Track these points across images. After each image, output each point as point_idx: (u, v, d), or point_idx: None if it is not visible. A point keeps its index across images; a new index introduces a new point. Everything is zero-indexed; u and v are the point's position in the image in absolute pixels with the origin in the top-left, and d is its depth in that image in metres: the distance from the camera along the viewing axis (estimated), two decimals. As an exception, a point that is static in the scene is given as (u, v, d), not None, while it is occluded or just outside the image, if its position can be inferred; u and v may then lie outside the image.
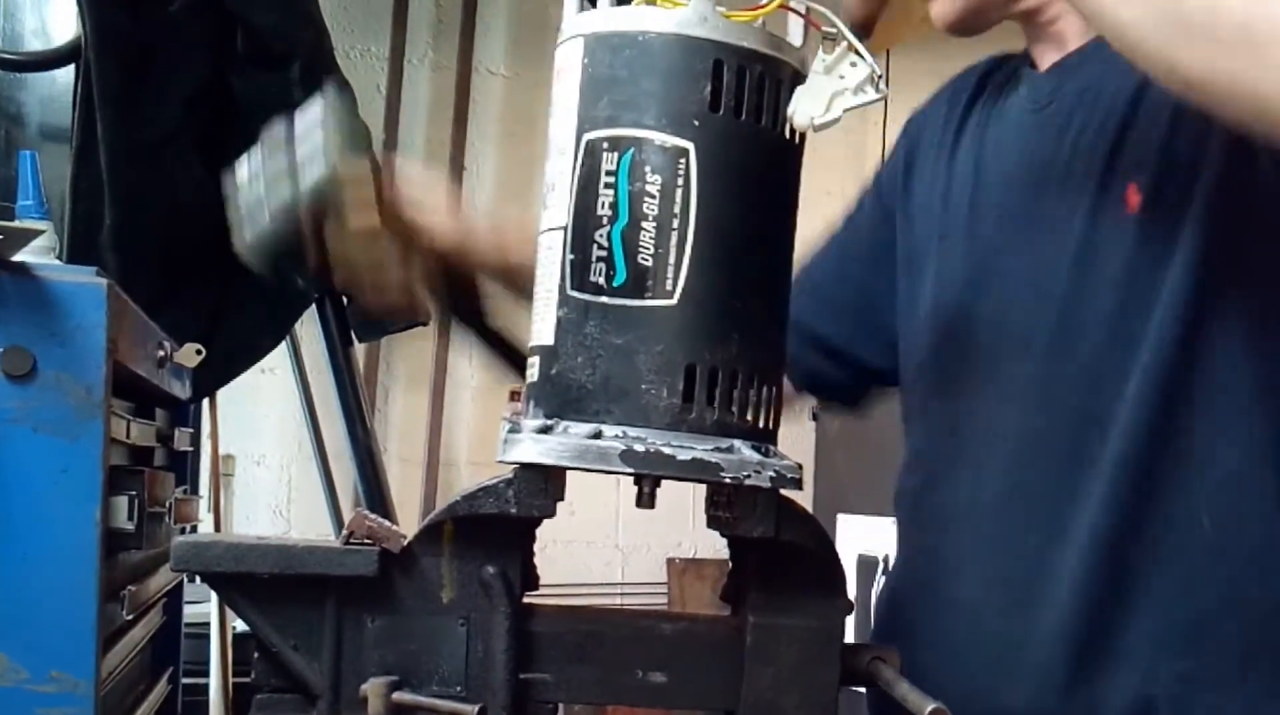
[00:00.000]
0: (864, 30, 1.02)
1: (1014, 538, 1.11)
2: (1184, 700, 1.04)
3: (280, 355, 2.42)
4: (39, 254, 0.99)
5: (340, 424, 2.09)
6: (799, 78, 0.86)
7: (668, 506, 0.95)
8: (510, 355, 1.21)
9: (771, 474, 0.82)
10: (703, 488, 0.86)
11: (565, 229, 0.84)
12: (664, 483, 0.85)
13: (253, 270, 1.08)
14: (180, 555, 0.86)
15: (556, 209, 0.85)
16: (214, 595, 1.95)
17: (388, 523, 0.87)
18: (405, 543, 0.87)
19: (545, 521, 0.87)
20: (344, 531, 0.87)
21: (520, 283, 1.11)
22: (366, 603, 0.87)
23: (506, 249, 1.20)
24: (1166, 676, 1.04)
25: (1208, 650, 1.04)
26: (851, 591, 0.93)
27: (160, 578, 1.36)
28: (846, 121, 0.87)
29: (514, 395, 0.89)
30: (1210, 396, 1.04)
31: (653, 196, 0.82)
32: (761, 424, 0.85)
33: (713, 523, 0.89)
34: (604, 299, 0.82)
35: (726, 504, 0.86)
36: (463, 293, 1.23)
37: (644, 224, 0.82)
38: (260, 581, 0.85)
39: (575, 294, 0.83)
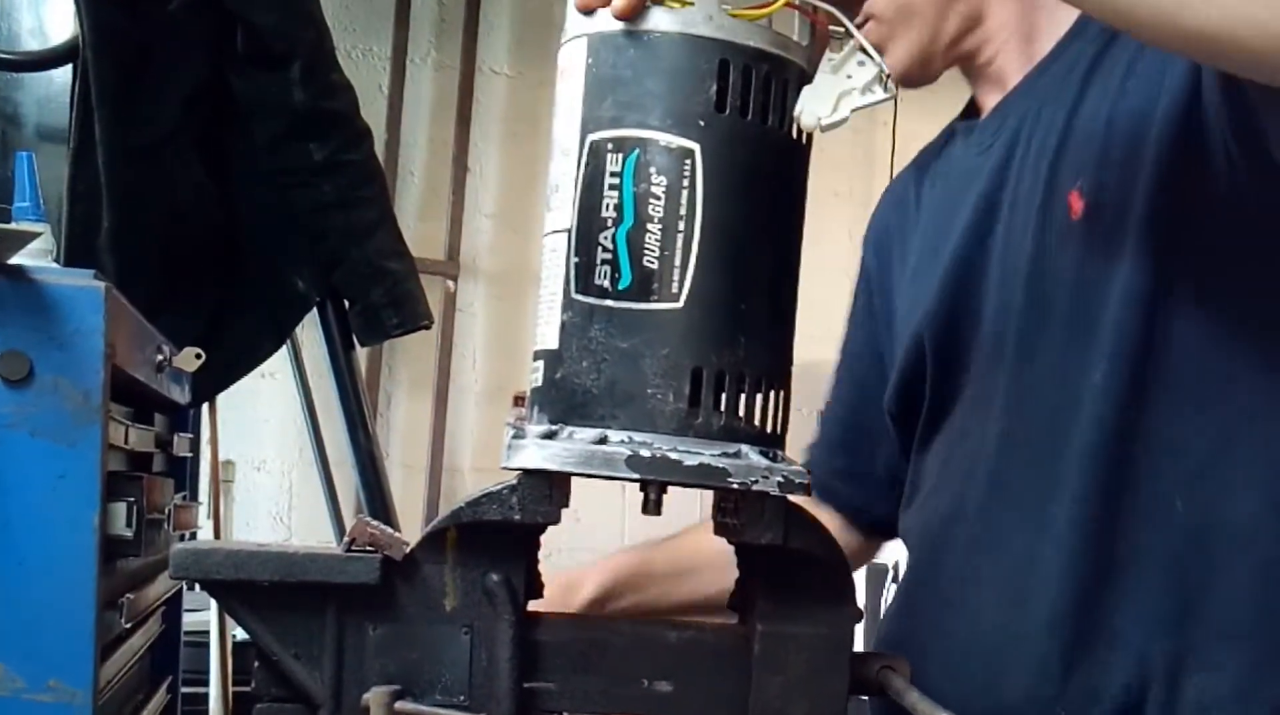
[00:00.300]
0: None
1: (1003, 538, 1.14)
2: (1175, 680, 1.05)
3: (281, 359, 2.40)
4: (36, 257, 0.98)
5: (342, 429, 2.08)
6: (806, 77, 0.85)
7: (674, 513, 0.94)
8: None
9: (780, 479, 0.82)
10: (710, 494, 0.85)
11: (569, 231, 0.83)
12: (670, 489, 0.85)
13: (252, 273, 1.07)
14: (179, 562, 0.85)
15: (560, 211, 0.84)
16: (214, 603, 1.95)
17: (390, 530, 0.86)
18: (408, 550, 0.86)
19: (550, 528, 0.86)
20: (346, 538, 0.87)
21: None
22: (368, 611, 0.87)
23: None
24: (1157, 658, 1.06)
25: (1194, 630, 1.06)
26: (861, 599, 0.92)
27: (159, 585, 1.35)
28: (854, 122, 0.86)
29: (518, 400, 0.89)
30: (1173, 384, 1.06)
31: (658, 198, 0.81)
32: (769, 428, 0.85)
33: (720, 529, 0.89)
34: (609, 302, 0.81)
35: (734, 510, 0.86)
36: None
37: (649, 226, 0.81)
38: (260, 589, 0.85)
39: (580, 297, 0.82)
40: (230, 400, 2.35)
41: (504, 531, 0.85)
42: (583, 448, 0.80)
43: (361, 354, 2.12)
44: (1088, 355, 1.08)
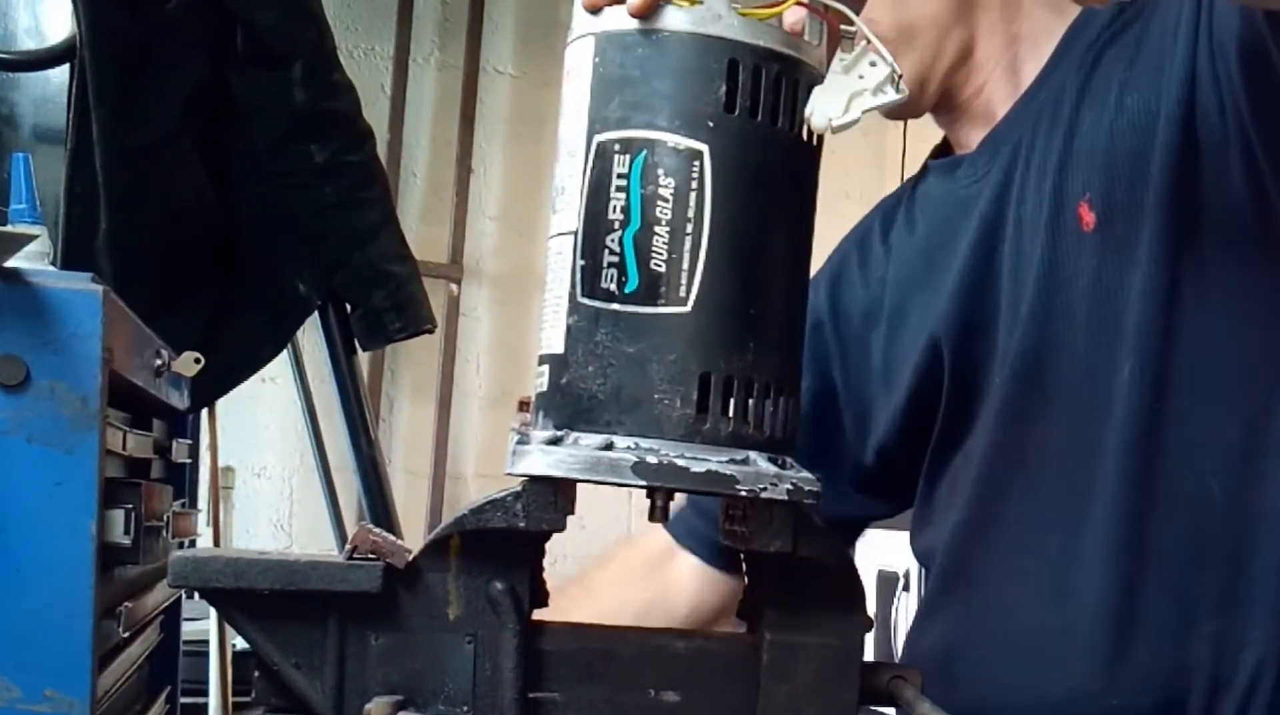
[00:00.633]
0: None
1: (1040, 537, 1.17)
2: (1220, 663, 1.09)
3: (282, 363, 2.40)
4: (33, 259, 0.97)
5: (343, 435, 2.07)
6: (817, 77, 0.84)
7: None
8: None
9: (789, 486, 0.80)
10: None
11: (575, 234, 0.82)
12: (678, 496, 0.84)
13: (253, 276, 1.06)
14: (178, 570, 0.85)
15: (566, 213, 0.83)
16: (213, 612, 1.94)
17: (392, 537, 0.85)
18: (410, 558, 0.85)
19: (555, 536, 0.85)
20: (347, 546, 0.86)
21: None
22: (370, 620, 0.86)
23: None
24: (1202, 642, 1.09)
25: (1236, 612, 1.09)
26: (871, 608, 0.91)
27: (158, 594, 1.34)
28: (866, 123, 0.85)
29: (523, 405, 0.88)
30: (1202, 374, 1.10)
31: (666, 200, 0.80)
32: (778, 435, 0.83)
33: (728, 537, 0.88)
34: (615, 306, 0.80)
35: (742, 518, 0.85)
36: None
37: (657, 228, 0.80)
38: (261, 598, 0.84)
39: (586, 301, 0.81)
40: (230, 405, 2.33)
41: (508, 539, 0.84)
42: (588, 454, 0.79)
43: (363, 358, 2.11)
44: (1115, 354, 1.12)
